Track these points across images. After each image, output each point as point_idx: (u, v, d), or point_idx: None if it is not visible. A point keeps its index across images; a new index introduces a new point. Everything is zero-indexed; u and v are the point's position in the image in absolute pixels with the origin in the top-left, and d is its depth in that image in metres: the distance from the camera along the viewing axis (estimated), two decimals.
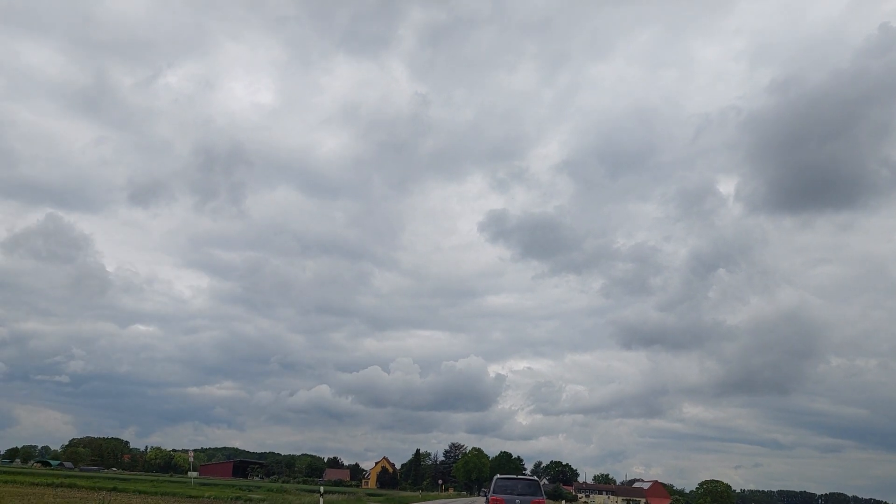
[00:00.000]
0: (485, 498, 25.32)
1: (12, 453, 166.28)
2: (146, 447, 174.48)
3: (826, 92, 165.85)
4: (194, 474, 79.55)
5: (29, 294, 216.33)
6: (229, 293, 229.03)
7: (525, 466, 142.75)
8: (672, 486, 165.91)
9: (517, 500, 22.58)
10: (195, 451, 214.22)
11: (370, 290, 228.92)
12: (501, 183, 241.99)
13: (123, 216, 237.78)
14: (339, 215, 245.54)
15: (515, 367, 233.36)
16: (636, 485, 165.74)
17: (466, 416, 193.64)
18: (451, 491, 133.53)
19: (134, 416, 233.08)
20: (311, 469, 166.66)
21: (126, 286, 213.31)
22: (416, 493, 71.55)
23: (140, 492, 31.33)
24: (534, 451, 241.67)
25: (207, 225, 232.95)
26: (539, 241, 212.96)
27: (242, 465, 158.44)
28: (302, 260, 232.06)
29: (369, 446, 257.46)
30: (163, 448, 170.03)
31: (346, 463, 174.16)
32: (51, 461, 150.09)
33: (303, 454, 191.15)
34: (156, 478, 72.46)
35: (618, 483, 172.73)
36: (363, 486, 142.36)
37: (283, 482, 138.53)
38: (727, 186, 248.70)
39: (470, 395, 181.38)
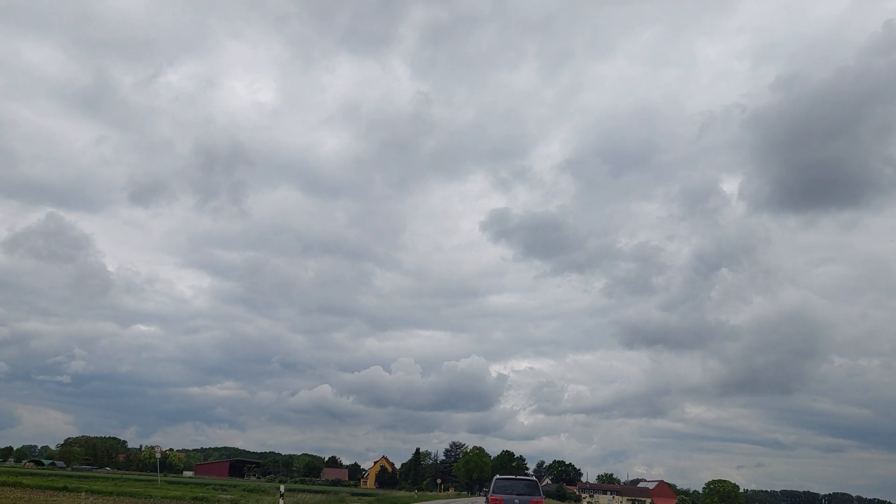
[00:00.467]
0: (485, 498, 25.33)
1: (6, 452, 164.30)
2: (141, 446, 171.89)
3: (830, 90, 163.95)
4: (190, 473, 76.78)
5: (30, 294, 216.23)
6: (230, 293, 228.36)
7: (527, 466, 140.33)
8: (675, 486, 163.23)
9: (516, 500, 22.87)
10: (195, 450, 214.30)
11: (371, 289, 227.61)
12: (503, 182, 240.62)
13: (124, 216, 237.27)
14: (341, 215, 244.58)
15: (517, 366, 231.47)
16: (641, 485, 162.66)
17: (468, 416, 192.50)
18: (451, 490, 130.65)
19: (135, 416, 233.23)
20: (308, 469, 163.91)
21: (127, 286, 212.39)
22: (412, 493, 68.19)
23: (94, 492, 28.30)
24: (535, 451, 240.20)
25: (208, 225, 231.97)
26: (541, 240, 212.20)
27: (239, 464, 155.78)
28: (303, 260, 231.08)
29: (371, 446, 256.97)
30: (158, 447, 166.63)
31: (345, 462, 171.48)
32: (43, 461, 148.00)
33: (303, 454, 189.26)
34: (118, 476, 69.76)
35: (621, 483, 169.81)
36: (361, 486, 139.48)
37: (279, 482, 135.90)
38: (730, 185, 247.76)
39: (471, 395, 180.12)
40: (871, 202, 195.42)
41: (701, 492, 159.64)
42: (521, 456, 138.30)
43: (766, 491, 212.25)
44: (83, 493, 27.47)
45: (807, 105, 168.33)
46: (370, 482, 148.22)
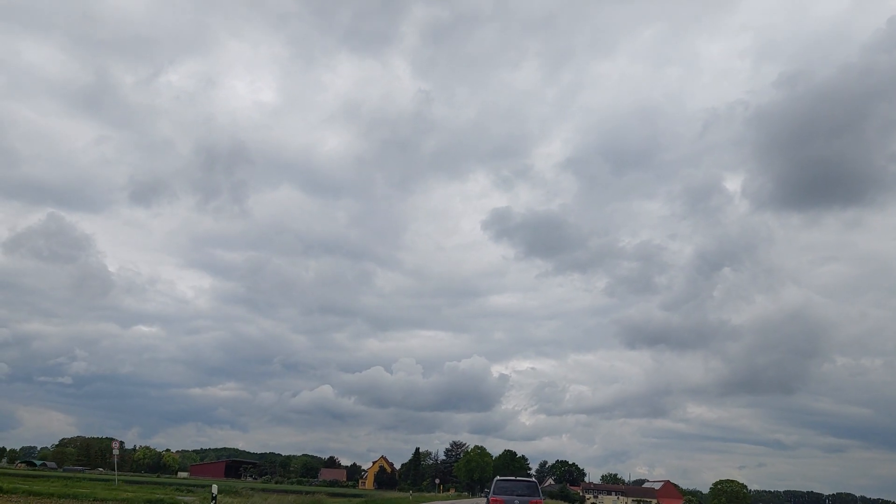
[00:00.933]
0: (486, 499, 25.50)
1: None
2: (135, 446, 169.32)
3: (834, 87, 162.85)
4: (185, 474, 73.69)
5: (31, 295, 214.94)
6: (232, 293, 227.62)
7: (530, 466, 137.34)
8: (677, 486, 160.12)
9: (516, 501, 23.26)
10: (194, 451, 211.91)
11: (373, 290, 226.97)
12: (505, 181, 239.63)
13: (125, 216, 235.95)
14: (342, 215, 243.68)
15: (518, 367, 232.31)
16: (646, 485, 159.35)
17: (469, 416, 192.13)
18: (452, 491, 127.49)
19: (137, 418, 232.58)
20: (305, 469, 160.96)
21: (128, 286, 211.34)
22: (406, 495, 64.82)
23: (34, 493, 25.26)
24: (537, 451, 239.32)
25: (209, 224, 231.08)
26: (543, 239, 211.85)
27: (235, 464, 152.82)
28: (304, 260, 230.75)
29: (372, 447, 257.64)
30: (151, 447, 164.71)
31: (345, 463, 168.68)
32: (35, 461, 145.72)
33: (304, 455, 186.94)
34: (70, 476, 67.32)
35: (626, 483, 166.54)
36: (360, 487, 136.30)
37: (275, 482, 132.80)
38: (733, 184, 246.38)
39: (473, 396, 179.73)
40: (875, 200, 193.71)
41: (704, 492, 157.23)
42: (523, 456, 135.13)
43: (770, 491, 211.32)
44: (18, 495, 24.30)
45: (810, 102, 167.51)
46: (369, 483, 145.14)
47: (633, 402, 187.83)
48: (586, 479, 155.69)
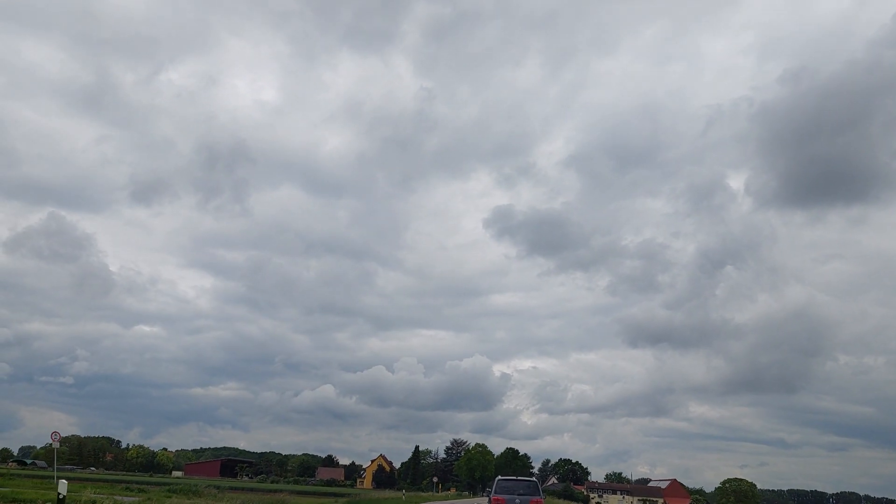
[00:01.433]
0: (488, 498, 25.99)
1: None
2: (128, 445, 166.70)
3: (839, 83, 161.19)
4: (180, 473, 70.38)
5: (32, 295, 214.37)
6: (233, 293, 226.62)
7: (532, 464, 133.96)
8: (684, 485, 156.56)
9: (517, 500, 23.93)
10: (193, 451, 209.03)
11: (374, 289, 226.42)
12: (507, 179, 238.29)
13: (126, 215, 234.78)
14: (343, 214, 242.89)
15: (520, 366, 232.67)
16: (652, 484, 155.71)
17: (471, 415, 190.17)
18: (453, 490, 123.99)
19: (138, 417, 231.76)
20: (303, 468, 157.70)
21: (129, 286, 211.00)
22: (399, 494, 61.14)
23: None
24: (539, 450, 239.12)
25: (210, 224, 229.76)
26: (545, 237, 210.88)
27: (231, 463, 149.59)
28: (305, 259, 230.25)
29: (373, 447, 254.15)
30: (145, 446, 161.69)
31: (345, 461, 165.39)
32: (26, 461, 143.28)
33: (304, 454, 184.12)
34: (18, 472, 64.34)
35: (631, 482, 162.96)
36: (358, 486, 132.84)
37: (271, 482, 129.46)
38: (737, 181, 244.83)
39: (474, 395, 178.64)
40: (880, 197, 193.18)
41: (707, 491, 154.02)
42: (525, 454, 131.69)
43: (772, 490, 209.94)
44: None
45: (815, 98, 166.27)
46: (367, 482, 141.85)
47: (635, 401, 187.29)
48: (590, 478, 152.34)
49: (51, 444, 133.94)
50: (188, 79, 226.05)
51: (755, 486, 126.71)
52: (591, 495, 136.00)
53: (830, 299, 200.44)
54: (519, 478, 26.51)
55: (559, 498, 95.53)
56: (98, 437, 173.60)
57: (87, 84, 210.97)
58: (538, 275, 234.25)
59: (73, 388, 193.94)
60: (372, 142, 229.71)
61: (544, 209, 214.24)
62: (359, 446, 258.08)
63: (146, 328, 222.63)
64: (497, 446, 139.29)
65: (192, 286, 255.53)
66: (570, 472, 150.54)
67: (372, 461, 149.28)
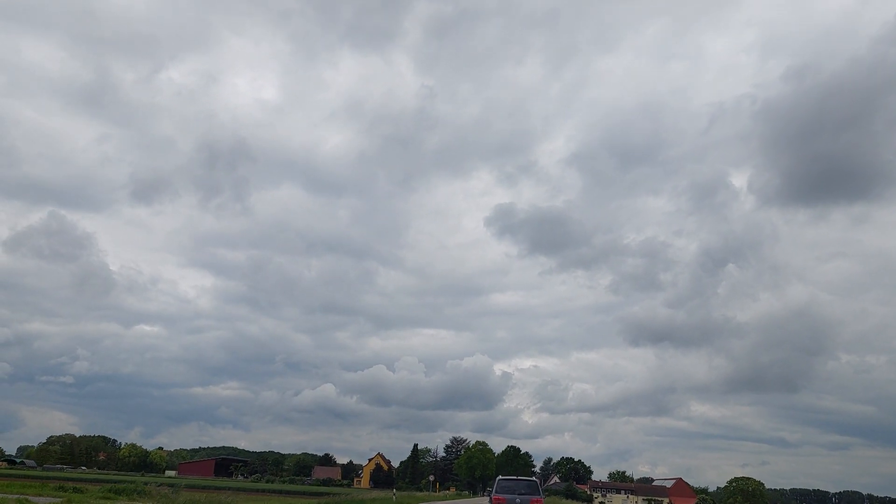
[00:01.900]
0: (489, 498, 26.17)
1: None
2: (120, 444, 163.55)
3: (843, 80, 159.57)
4: (173, 473, 67.20)
5: (33, 294, 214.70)
6: (234, 293, 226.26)
7: (534, 463, 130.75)
8: (689, 485, 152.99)
9: (517, 500, 24.40)
10: (192, 450, 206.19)
11: (375, 288, 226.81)
12: (509, 177, 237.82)
13: (126, 215, 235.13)
14: (344, 213, 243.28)
15: (521, 365, 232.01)
16: (656, 482, 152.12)
17: (472, 415, 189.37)
18: (452, 490, 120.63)
19: (139, 417, 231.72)
20: (299, 467, 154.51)
21: (130, 286, 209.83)
22: (389, 494, 57.62)
23: None
24: (540, 449, 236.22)
25: (211, 223, 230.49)
26: (546, 236, 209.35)
27: (225, 462, 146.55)
28: (306, 258, 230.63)
29: (374, 446, 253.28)
30: (137, 445, 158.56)
31: (343, 460, 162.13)
32: (16, 459, 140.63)
33: (304, 453, 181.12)
34: (7, 471, 61.56)
35: (635, 481, 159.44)
36: (355, 485, 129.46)
37: (266, 481, 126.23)
38: (739, 179, 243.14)
39: (475, 394, 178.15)
40: (883, 195, 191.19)
41: (710, 490, 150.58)
42: (526, 452, 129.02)
43: (774, 489, 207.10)
44: None
45: (818, 96, 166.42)
46: (364, 481, 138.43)
47: (636, 400, 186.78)
48: (593, 477, 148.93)
49: (44, 444, 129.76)
50: (188, 77, 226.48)
51: (763, 484, 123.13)
52: (595, 494, 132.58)
53: (832, 298, 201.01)
54: (520, 477, 26.74)
55: (562, 497, 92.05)
56: (92, 437, 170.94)
57: (88, 83, 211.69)
58: (539, 273, 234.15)
59: (74, 387, 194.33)
60: (373, 140, 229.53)
61: (545, 208, 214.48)
62: (359, 446, 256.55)
63: (147, 328, 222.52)
64: (498, 445, 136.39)
65: (193, 286, 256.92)
66: (573, 471, 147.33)
67: (369, 460, 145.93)
